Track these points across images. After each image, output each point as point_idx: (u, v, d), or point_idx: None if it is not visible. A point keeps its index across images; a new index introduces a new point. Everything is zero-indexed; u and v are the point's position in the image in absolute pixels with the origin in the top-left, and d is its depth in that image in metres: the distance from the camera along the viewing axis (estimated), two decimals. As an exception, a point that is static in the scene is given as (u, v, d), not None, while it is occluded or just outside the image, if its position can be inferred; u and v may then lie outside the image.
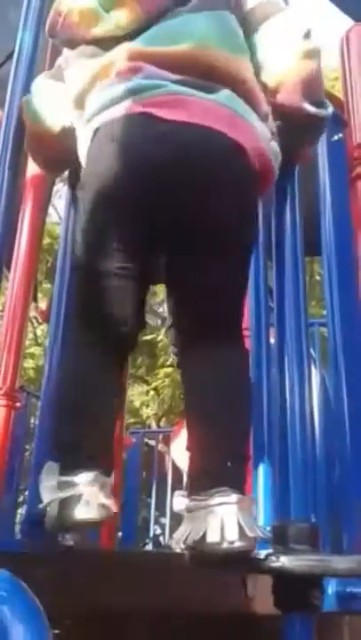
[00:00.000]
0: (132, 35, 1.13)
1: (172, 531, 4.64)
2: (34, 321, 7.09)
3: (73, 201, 1.46)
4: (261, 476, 1.18)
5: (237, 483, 0.95)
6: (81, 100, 1.16)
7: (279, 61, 1.16)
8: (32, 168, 2.31)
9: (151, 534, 4.84)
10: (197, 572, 0.96)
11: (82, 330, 1.16)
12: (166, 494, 4.46)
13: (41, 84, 1.28)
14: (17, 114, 1.23)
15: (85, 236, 1.11)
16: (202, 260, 1.06)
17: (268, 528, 0.95)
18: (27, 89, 1.24)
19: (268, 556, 0.81)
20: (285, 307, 1.01)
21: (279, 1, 1.23)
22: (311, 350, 2.90)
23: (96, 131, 1.10)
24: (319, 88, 1.21)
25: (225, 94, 1.09)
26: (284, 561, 0.80)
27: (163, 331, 6.10)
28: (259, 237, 1.42)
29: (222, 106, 1.07)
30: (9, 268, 2.54)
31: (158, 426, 6.93)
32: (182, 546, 0.93)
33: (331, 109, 1.25)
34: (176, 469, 4.44)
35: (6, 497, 2.60)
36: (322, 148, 1.70)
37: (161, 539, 5.61)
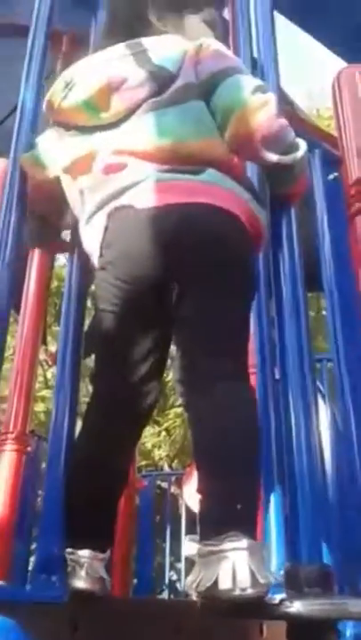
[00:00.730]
0: (111, 124, 1.30)
1: (188, 573, 4.54)
2: (44, 364, 7.09)
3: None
4: (273, 518, 1.16)
5: (248, 526, 0.94)
6: (65, 176, 1.33)
7: (232, 121, 1.24)
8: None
9: (167, 580, 4.72)
10: (212, 620, 0.94)
11: (100, 410, 1.27)
12: (180, 538, 4.37)
13: (47, 134, 1.39)
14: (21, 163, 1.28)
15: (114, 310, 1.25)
16: (202, 304, 1.17)
17: (282, 571, 0.94)
18: (29, 142, 1.28)
19: (282, 601, 0.80)
20: (287, 342, 1.01)
21: (234, 66, 1.32)
22: (320, 386, 2.88)
23: (103, 227, 1.25)
24: (279, 136, 1.26)
25: (208, 173, 1.23)
26: (298, 606, 0.78)
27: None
28: (259, 279, 1.44)
29: (207, 183, 1.22)
30: (18, 312, 2.57)
31: (170, 467, 6.84)
32: (194, 593, 0.93)
33: (300, 153, 1.30)
34: (190, 512, 4.37)
35: (18, 543, 2.57)
36: (318, 188, 1.74)
37: (178, 585, 5.48)
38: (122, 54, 1.32)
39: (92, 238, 1.28)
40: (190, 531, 4.40)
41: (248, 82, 1.28)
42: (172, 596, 4.96)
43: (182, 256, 1.18)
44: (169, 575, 4.88)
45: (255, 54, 1.40)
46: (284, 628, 0.86)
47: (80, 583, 1.07)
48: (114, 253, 1.22)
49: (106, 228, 1.24)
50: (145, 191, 1.21)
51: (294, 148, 1.27)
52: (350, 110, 1.97)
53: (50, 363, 5.81)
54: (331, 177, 1.89)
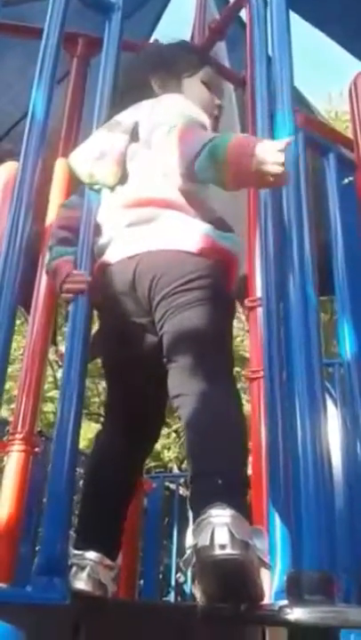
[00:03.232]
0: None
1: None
2: (54, 364, 7.11)
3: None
4: (279, 524, 1.15)
5: (234, 503, 1.02)
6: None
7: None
8: (51, 216, 2.37)
9: (173, 582, 4.71)
10: (215, 624, 0.93)
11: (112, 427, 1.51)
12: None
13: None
14: (32, 162, 1.27)
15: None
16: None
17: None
18: (39, 145, 1.28)
19: (281, 607, 0.79)
20: (295, 346, 1.00)
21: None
22: (331, 390, 2.86)
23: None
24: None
25: (162, 218, 1.40)
26: (298, 613, 0.77)
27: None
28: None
29: (165, 228, 1.39)
30: (29, 311, 2.57)
31: (180, 469, 6.83)
32: (185, 566, 1.01)
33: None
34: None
35: (24, 544, 2.57)
36: (333, 192, 1.73)
37: (185, 587, 5.45)
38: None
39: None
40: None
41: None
42: (178, 599, 4.94)
43: (147, 291, 1.36)
44: (176, 577, 4.87)
45: (270, 52, 1.39)
46: (286, 634, 0.85)
47: (80, 584, 1.11)
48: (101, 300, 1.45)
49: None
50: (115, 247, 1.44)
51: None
52: (367, 114, 1.96)
53: (60, 363, 5.83)
54: (346, 181, 1.88)
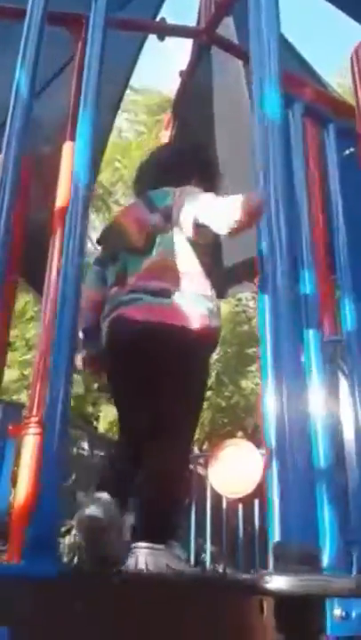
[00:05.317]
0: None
1: (213, 554, 4.56)
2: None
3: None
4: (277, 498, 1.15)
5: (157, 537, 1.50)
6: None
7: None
8: (60, 200, 2.36)
9: (193, 559, 4.76)
10: (196, 593, 0.93)
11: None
12: (206, 518, 4.39)
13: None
14: (17, 141, 1.24)
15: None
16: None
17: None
18: (22, 126, 1.26)
19: (261, 575, 0.79)
20: (281, 321, 0.99)
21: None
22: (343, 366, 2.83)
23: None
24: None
25: (178, 296, 1.70)
26: (278, 581, 0.77)
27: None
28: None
29: (171, 306, 1.69)
30: (41, 294, 2.57)
31: (201, 451, 6.88)
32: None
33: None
34: (214, 492, 4.38)
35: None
36: (332, 163, 1.69)
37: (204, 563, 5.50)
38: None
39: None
40: (215, 513, 4.43)
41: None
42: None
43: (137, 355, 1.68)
44: (201, 557, 4.91)
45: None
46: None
47: (90, 510, 1.45)
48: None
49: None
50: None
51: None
52: (369, 84, 1.91)
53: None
54: (347, 152, 1.84)
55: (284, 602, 0.81)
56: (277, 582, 0.77)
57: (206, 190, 1.80)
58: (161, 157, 2.14)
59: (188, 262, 1.74)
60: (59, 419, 1.06)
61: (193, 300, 1.69)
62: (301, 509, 0.84)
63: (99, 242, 2.07)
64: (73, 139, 1.54)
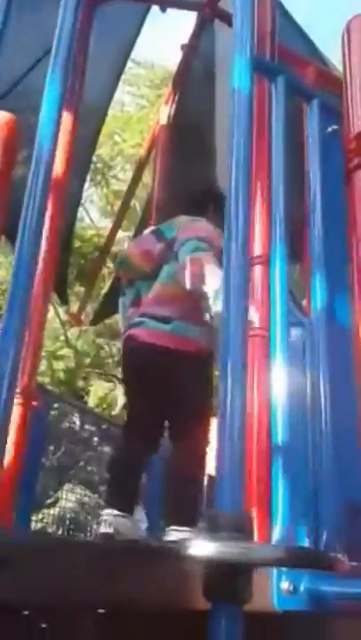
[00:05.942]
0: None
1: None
2: (66, 324, 7.18)
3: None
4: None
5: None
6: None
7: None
8: (55, 173, 2.34)
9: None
10: (124, 560, 0.94)
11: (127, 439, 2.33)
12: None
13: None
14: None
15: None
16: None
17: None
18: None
19: (184, 541, 0.79)
20: (231, 309, 0.99)
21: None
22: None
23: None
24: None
25: (175, 324, 2.23)
26: (205, 547, 0.78)
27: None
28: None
29: (168, 331, 2.23)
30: (13, 242, 2.55)
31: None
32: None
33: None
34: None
35: (21, 496, 2.63)
36: (313, 141, 1.64)
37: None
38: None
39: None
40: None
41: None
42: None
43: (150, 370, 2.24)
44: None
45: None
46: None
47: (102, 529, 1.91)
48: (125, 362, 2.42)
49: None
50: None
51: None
52: (359, 59, 1.86)
53: (72, 323, 5.92)
54: (329, 129, 1.80)
55: (209, 569, 0.82)
56: (202, 549, 0.77)
57: (218, 222, 2.07)
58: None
59: (182, 290, 2.12)
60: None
61: (184, 329, 2.19)
62: (232, 477, 0.85)
63: (116, 269, 2.67)
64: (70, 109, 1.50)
